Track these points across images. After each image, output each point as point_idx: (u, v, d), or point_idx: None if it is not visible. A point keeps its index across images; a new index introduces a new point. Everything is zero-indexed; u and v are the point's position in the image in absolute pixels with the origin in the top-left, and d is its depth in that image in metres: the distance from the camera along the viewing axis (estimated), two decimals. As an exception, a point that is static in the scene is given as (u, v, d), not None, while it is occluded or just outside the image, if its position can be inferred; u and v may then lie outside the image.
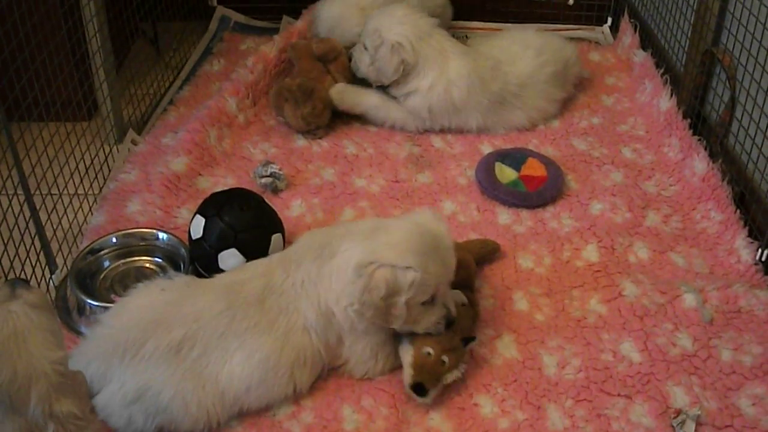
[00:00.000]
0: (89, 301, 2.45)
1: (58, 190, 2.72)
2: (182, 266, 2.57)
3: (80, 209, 2.86)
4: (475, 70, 3.29)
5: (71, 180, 2.84)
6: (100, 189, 3.02)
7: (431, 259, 2.16)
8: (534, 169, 3.06)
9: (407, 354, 2.22)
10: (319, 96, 3.30)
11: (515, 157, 3.11)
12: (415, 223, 2.22)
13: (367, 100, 3.38)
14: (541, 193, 2.97)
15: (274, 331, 2.18)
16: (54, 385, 1.60)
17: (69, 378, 1.66)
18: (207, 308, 2.18)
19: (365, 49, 3.30)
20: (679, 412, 2.18)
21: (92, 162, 2.98)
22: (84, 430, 1.65)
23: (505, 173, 3.04)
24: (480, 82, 3.29)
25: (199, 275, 2.45)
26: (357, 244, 2.19)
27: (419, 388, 2.17)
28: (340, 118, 3.42)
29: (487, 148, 3.27)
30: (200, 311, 2.17)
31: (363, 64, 3.34)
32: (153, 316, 2.15)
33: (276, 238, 2.52)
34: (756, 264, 2.67)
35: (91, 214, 2.90)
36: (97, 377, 2.09)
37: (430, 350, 2.20)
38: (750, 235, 2.77)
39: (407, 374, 2.20)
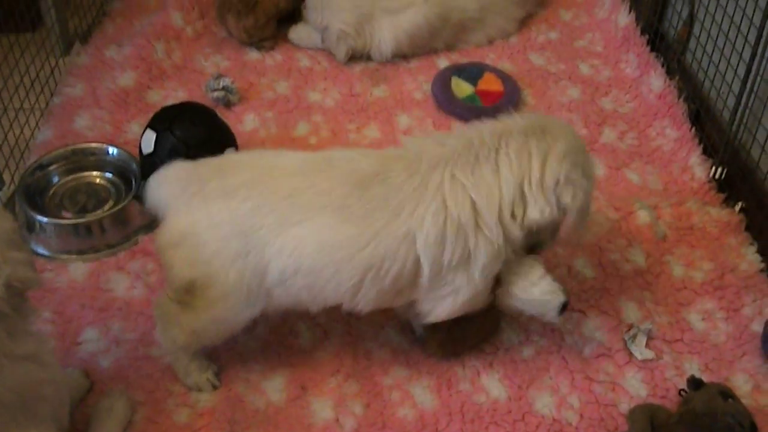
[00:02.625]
0: (39, 217, 2.40)
1: (3, 104, 2.63)
2: (134, 181, 2.52)
3: (26, 124, 2.78)
4: (430, 11, 3.23)
5: (16, 94, 2.75)
6: (47, 103, 2.94)
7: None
8: (490, 83, 3.03)
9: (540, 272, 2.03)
10: (262, 8, 3.21)
11: (472, 72, 3.08)
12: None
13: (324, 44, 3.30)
14: (497, 108, 2.93)
15: (362, 222, 1.88)
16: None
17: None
18: (287, 164, 1.96)
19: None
20: (631, 327, 2.21)
21: (38, 75, 2.89)
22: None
23: (462, 88, 3.01)
24: (438, 19, 3.24)
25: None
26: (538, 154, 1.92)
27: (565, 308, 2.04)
28: (293, 31, 3.35)
29: (443, 63, 3.23)
30: (276, 165, 1.96)
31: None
32: (233, 161, 2.03)
33: (229, 152, 2.47)
34: (709, 181, 2.70)
35: (38, 129, 2.83)
36: (164, 205, 1.96)
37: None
38: (704, 152, 2.79)
39: (557, 293, 2.01)
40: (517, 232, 1.92)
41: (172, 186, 1.96)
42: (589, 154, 2.05)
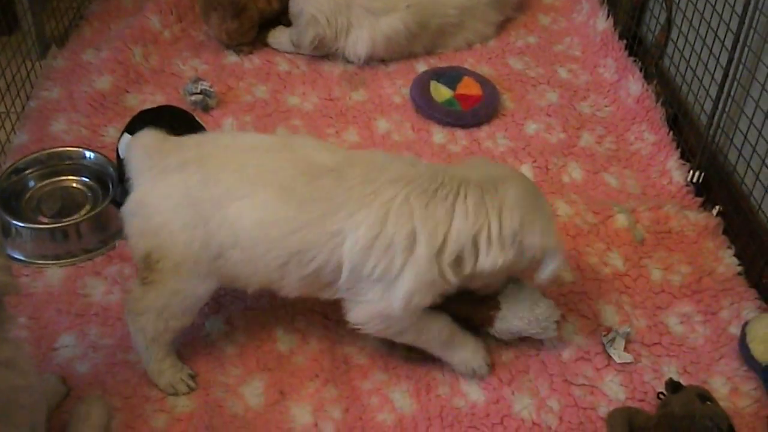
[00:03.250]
0: (15, 222, 2.38)
1: (-22, 107, 2.62)
2: (111, 186, 2.50)
3: (2, 128, 2.75)
4: (410, 17, 3.22)
5: (-8, 97, 2.73)
6: (23, 107, 2.91)
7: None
8: (469, 88, 3.03)
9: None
10: (249, 15, 3.19)
11: (450, 76, 3.08)
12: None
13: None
14: (476, 112, 2.95)
15: (300, 207, 1.91)
16: None
17: None
18: (244, 142, 2.05)
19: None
20: (609, 330, 2.22)
21: (13, 78, 2.86)
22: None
23: (440, 92, 3.01)
24: (418, 26, 3.23)
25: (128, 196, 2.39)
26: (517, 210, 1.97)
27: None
28: (272, 35, 3.34)
29: (422, 67, 3.23)
30: (234, 142, 2.04)
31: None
32: (195, 138, 2.08)
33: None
34: (687, 185, 2.71)
35: (14, 132, 2.80)
36: (132, 174, 2.00)
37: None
38: (682, 156, 2.80)
39: (555, 309, 2.14)
40: (451, 276, 1.94)
41: (140, 157, 2.00)
42: (542, 196, 2.10)
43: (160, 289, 1.97)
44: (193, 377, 2.10)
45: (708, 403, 1.94)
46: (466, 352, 2.11)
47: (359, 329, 2.05)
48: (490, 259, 1.96)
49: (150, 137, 2.04)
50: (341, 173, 1.95)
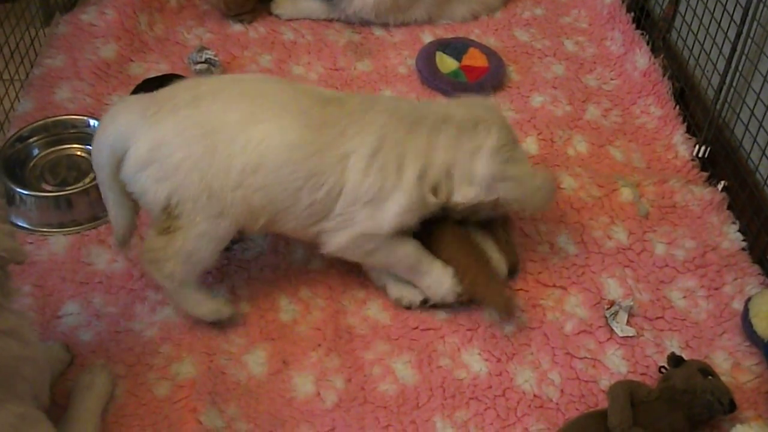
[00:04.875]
0: (19, 189, 2.38)
1: (-18, 74, 2.61)
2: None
3: (6, 95, 2.75)
4: None
5: (-5, 64, 2.72)
6: (27, 75, 2.90)
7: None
8: (475, 59, 3.02)
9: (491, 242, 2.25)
10: None
11: (456, 47, 3.06)
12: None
13: (308, 9, 3.28)
14: (481, 83, 2.94)
15: (317, 131, 2.02)
16: None
17: None
18: (253, 77, 2.19)
19: None
20: (612, 304, 2.22)
21: (17, 46, 2.85)
22: None
23: (446, 63, 2.99)
24: None
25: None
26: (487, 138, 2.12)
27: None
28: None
29: (428, 37, 3.21)
30: (242, 77, 2.19)
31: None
32: (193, 82, 2.11)
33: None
34: (693, 160, 2.70)
35: (18, 100, 2.79)
36: (121, 141, 1.98)
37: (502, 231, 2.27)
38: (688, 131, 2.79)
39: (501, 261, 2.23)
40: (432, 201, 2.09)
41: (129, 116, 2.00)
42: (519, 145, 2.25)
43: (185, 235, 1.99)
44: (229, 302, 2.17)
45: (709, 377, 1.95)
46: (432, 278, 2.17)
47: (336, 255, 2.15)
48: (461, 195, 2.10)
49: (131, 99, 2.12)
50: (342, 101, 2.10)
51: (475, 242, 2.23)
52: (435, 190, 2.08)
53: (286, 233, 2.13)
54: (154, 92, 2.07)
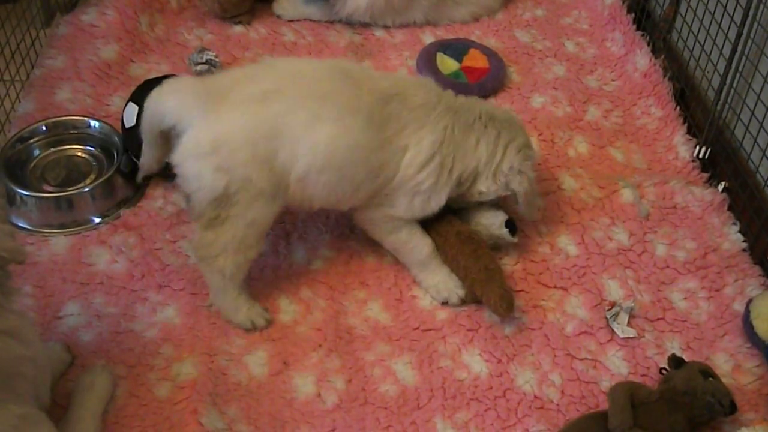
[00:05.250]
0: (20, 190, 2.37)
1: (-17, 75, 2.61)
2: (116, 155, 2.50)
3: (7, 96, 2.75)
4: None
5: (-4, 64, 2.72)
6: (28, 75, 2.90)
7: None
8: (476, 60, 3.02)
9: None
10: None
11: (457, 48, 3.06)
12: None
13: (309, 10, 3.28)
14: (482, 84, 2.94)
15: (379, 128, 2.11)
16: None
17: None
18: (312, 71, 2.15)
19: None
20: (613, 305, 2.22)
21: (18, 46, 2.85)
22: None
23: (447, 64, 2.99)
24: None
25: (134, 165, 2.39)
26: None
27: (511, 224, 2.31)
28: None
29: (428, 38, 3.21)
30: (301, 71, 2.15)
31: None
32: (253, 71, 2.16)
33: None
34: (693, 161, 2.70)
35: (19, 101, 2.79)
36: (170, 117, 2.04)
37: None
38: (689, 131, 2.79)
39: (500, 220, 2.30)
40: (456, 191, 2.23)
41: (184, 97, 2.04)
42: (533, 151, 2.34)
43: (238, 223, 2.04)
44: (267, 311, 2.19)
45: (710, 379, 1.95)
46: (439, 278, 2.25)
47: (361, 226, 2.30)
48: (485, 185, 2.24)
49: (186, 80, 2.17)
50: (404, 96, 2.16)
51: (478, 241, 2.24)
52: (459, 180, 2.21)
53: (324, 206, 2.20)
54: (204, 78, 2.13)
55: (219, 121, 2.00)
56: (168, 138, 2.10)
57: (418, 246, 2.24)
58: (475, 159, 2.21)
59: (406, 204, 2.18)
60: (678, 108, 2.86)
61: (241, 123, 2.00)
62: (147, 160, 2.23)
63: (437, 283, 2.24)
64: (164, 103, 2.05)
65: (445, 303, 2.23)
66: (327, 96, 2.07)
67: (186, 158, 2.03)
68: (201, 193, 2.04)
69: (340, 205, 2.19)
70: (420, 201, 2.18)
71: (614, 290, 2.28)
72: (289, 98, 2.04)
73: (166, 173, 2.29)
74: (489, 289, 2.16)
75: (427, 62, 2.99)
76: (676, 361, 2.01)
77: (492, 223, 2.30)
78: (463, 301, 2.23)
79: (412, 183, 2.15)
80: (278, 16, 3.28)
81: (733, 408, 1.92)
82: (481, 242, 2.26)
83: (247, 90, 2.04)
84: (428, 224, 2.27)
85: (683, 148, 2.73)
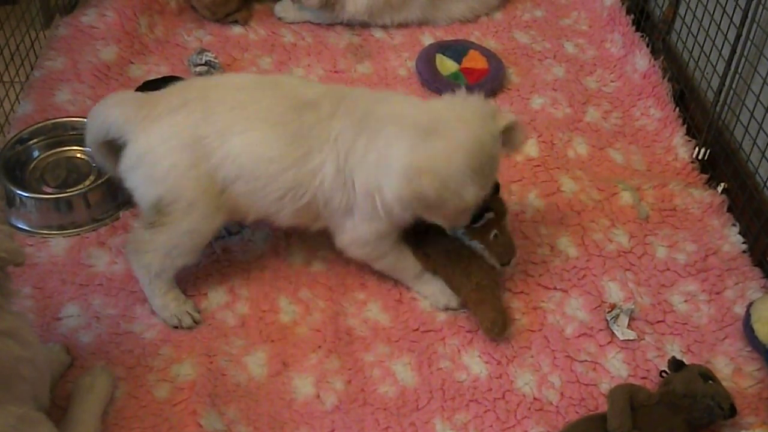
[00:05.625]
0: (19, 191, 2.37)
1: (-18, 76, 2.61)
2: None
3: (6, 97, 2.74)
4: None
5: (-4, 66, 2.72)
6: (27, 77, 2.90)
7: (485, 174, 2.00)
8: (475, 61, 3.02)
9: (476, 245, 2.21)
10: None
11: (456, 49, 3.06)
12: (474, 132, 1.98)
13: (309, 13, 3.27)
14: (481, 86, 2.92)
15: (292, 143, 2.04)
16: None
17: None
18: (234, 82, 2.17)
19: None
20: (613, 307, 2.22)
21: (17, 48, 2.85)
22: None
23: (446, 65, 2.99)
24: None
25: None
26: (407, 140, 1.97)
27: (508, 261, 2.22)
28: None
29: (428, 40, 3.21)
30: (222, 83, 2.16)
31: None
32: (180, 84, 2.17)
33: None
34: (692, 162, 2.70)
35: (18, 102, 2.79)
36: (113, 129, 2.08)
37: (495, 232, 2.18)
38: (688, 133, 2.79)
39: (492, 255, 2.19)
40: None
41: (123, 109, 2.08)
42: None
43: (172, 231, 2.06)
44: (197, 310, 2.17)
45: (710, 382, 1.94)
46: (435, 287, 2.23)
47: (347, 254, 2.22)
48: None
49: (125, 94, 2.20)
50: (317, 106, 2.07)
51: (469, 257, 2.21)
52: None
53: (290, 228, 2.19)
54: (154, 92, 2.14)
55: (144, 134, 2.04)
56: (115, 147, 2.13)
57: (408, 266, 2.23)
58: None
59: (351, 225, 2.13)
60: (677, 109, 2.86)
61: (160, 134, 2.03)
62: (103, 167, 2.28)
63: (435, 291, 2.23)
64: (108, 116, 2.09)
65: (446, 309, 2.22)
66: (239, 107, 2.06)
67: (124, 171, 2.08)
68: (140, 202, 2.10)
69: (284, 223, 2.16)
70: (360, 221, 2.11)
71: (614, 292, 2.28)
72: (204, 109, 2.04)
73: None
74: (481, 310, 2.15)
75: (426, 63, 3.00)
76: (676, 364, 2.01)
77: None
78: (465, 305, 2.22)
79: (334, 205, 2.09)
80: (279, 19, 3.27)
81: (733, 411, 1.92)
82: (473, 257, 2.21)
83: (170, 101, 2.06)
84: (416, 246, 2.25)
85: (683, 150, 2.73)
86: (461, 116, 2.02)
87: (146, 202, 2.07)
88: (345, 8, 3.19)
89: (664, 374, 2.03)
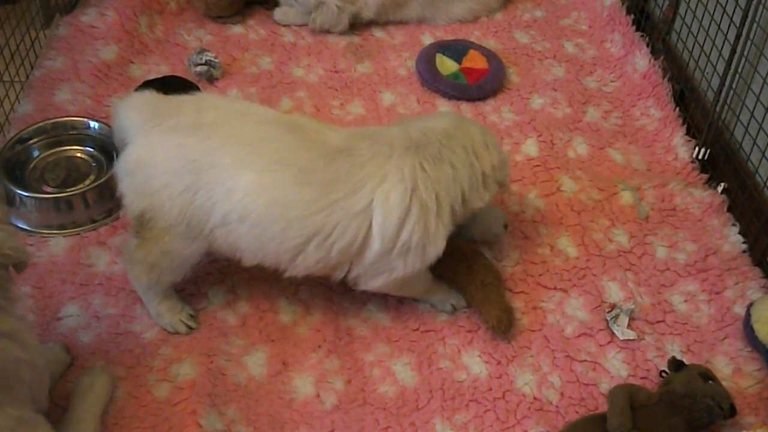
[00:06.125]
0: (19, 191, 2.37)
1: (-18, 76, 2.61)
2: (115, 156, 2.49)
3: (6, 97, 2.74)
4: None
5: (-4, 65, 2.72)
6: (27, 76, 2.90)
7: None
8: (475, 61, 3.02)
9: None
10: None
11: (456, 49, 3.06)
12: None
13: (308, 19, 3.25)
14: (481, 85, 2.94)
15: (322, 189, 1.92)
16: None
17: None
18: (258, 113, 2.05)
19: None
20: (613, 307, 2.22)
21: (18, 47, 2.84)
22: None
23: (446, 65, 2.99)
24: None
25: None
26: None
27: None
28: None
29: (428, 39, 3.21)
30: (247, 112, 2.04)
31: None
32: (203, 100, 2.09)
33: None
34: (692, 162, 2.70)
35: (18, 102, 2.79)
36: (123, 131, 2.04)
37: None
38: (688, 133, 2.79)
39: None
40: (455, 221, 2.05)
41: (136, 114, 2.02)
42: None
43: (151, 247, 2.02)
44: (193, 317, 2.16)
45: (710, 382, 1.95)
46: (443, 293, 2.22)
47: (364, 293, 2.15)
48: (480, 199, 2.08)
49: (147, 97, 2.07)
50: (351, 151, 1.97)
51: (472, 255, 2.23)
52: (453, 212, 2.04)
53: (296, 274, 2.06)
54: (169, 97, 2.06)
55: (147, 144, 1.97)
56: None
57: (424, 281, 2.17)
58: (458, 185, 2.02)
59: (402, 265, 2.00)
60: (677, 109, 2.86)
61: (164, 151, 1.94)
62: None
63: (443, 297, 2.22)
64: (120, 116, 2.05)
65: (453, 311, 2.22)
66: (260, 143, 1.95)
67: (120, 172, 2.01)
68: (127, 209, 2.05)
69: (292, 271, 2.03)
70: (414, 255, 1.99)
71: (614, 292, 2.28)
72: (219, 138, 1.94)
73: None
74: (486, 309, 2.15)
75: (426, 63, 2.99)
76: (675, 364, 2.01)
77: (493, 225, 2.31)
78: (470, 303, 2.22)
79: (399, 245, 1.96)
80: (277, 22, 3.26)
81: (732, 411, 1.92)
82: (476, 255, 2.24)
83: (185, 118, 1.97)
84: None
85: (682, 149, 2.73)
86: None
87: (132, 211, 2.01)
88: (359, 15, 3.20)
89: (663, 374, 2.04)
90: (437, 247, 2.00)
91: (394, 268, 2.01)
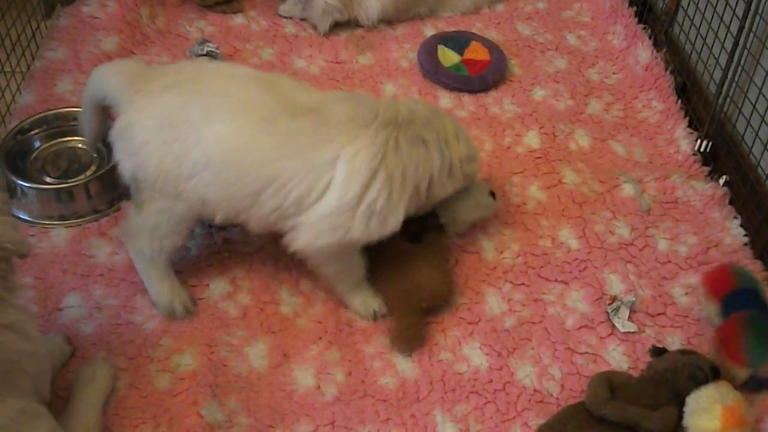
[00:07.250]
0: (20, 182, 2.37)
1: (-17, 66, 2.60)
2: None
3: (7, 88, 2.74)
4: None
5: (-3, 56, 2.72)
6: (28, 67, 2.90)
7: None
8: (477, 52, 3.01)
9: None
10: None
11: (458, 41, 3.06)
12: None
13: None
14: (483, 77, 2.94)
15: (283, 139, 1.98)
16: None
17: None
18: (230, 71, 2.14)
19: None
20: (614, 299, 2.22)
21: (19, 38, 2.84)
22: None
23: (448, 56, 2.99)
24: None
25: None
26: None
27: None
28: (279, -3, 3.31)
29: (430, 31, 3.20)
30: (219, 69, 2.15)
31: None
32: (181, 64, 2.20)
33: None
34: (694, 154, 2.70)
35: (19, 92, 2.79)
36: (109, 96, 2.11)
37: None
38: (690, 125, 2.79)
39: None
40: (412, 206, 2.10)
41: (121, 78, 2.09)
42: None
43: (148, 208, 2.07)
44: (193, 301, 2.17)
45: (690, 355, 1.97)
46: (367, 295, 2.19)
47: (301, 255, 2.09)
48: (443, 190, 2.16)
49: (127, 63, 2.18)
50: (322, 111, 2.02)
51: (407, 267, 2.19)
52: (417, 191, 2.09)
53: (253, 227, 2.08)
54: (154, 66, 2.16)
55: (132, 107, 2.04)
56: (106, 113, 2.21)
57: (357, 267, 2.15)
58: (429, 167, 2.08)
59: (362, 227, 2.00)
60: (679, 101, 2.86)
61: (145, 110, 2.02)
62: (86, 133, 2.30)
63: (366, 299, 2.19)
64: (106, 82, 2.11)
65: (374, 317, 2.19)
66: (226, 95, 2.02)
67: (112, 139, 2.08)
68: (123, 175, 2.10)
69: (253, 221, 2.05)
70: (376, 221, 2.01)
71: (615, 285, 2.28)
72: (188, 92, 2.02)
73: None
74: (398, 326, 2.15)
75: (428, 55, 2.99)
76: (656, 351, 2.03)
77: (477, 201, 2.33)
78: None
79: (364, 204, 1.98)
80: (284, 17, 3.25)
81: (716, 373, 1.92)
82: (416, 257, 2.21)
83: (165, 79, 2.06)
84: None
85: (684, 142, 2.73)
86: None
87: (125, 175, 2.07)
88: (357, 20, 3.19)
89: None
90: (397, 220, 2.03)
91: (352, 227, 2.00)
